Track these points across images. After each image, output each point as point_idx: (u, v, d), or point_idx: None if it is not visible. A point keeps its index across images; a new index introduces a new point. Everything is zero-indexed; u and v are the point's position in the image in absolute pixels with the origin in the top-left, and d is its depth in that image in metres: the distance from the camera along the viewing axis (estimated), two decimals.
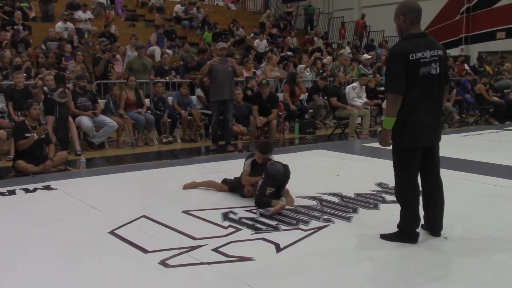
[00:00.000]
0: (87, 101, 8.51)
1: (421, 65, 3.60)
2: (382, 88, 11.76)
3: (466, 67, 15.82)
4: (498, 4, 19.36)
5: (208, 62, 8.67)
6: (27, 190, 5.53)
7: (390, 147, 3.81)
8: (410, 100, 3.61)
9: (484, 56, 16.68)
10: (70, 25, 13.22)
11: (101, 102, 8.93)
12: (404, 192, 3.81)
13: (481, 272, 3.32)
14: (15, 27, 12.30)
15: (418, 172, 3.78)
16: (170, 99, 9.66)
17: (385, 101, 3.82)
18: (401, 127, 3.65)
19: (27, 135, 6.58)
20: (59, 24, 13.08)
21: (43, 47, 11.78)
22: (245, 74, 10.73)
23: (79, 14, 14.22)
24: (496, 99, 12.74)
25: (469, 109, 13.60)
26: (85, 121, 8.27)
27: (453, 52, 18.89)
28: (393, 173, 3.87)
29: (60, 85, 8.01)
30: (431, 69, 3.65)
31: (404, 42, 3.68)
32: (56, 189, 5.59)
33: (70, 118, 8.08)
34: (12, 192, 5.43)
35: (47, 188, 5.63)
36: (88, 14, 14.48)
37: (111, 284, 3.16)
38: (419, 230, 3.85)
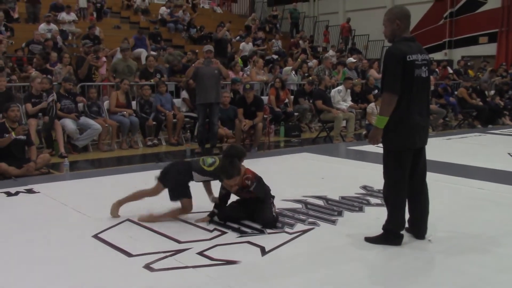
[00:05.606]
0: (71, 103, 8.42)
1: (415, 67, 3.67)
2: (375, 92, 11.68)
3: (450, 70, 15.99)
4: (480, 10, 19.62)
5: (193, 65, 8.60)
6: (9, 194, 5.44)
7: (376, 147, 3.81)
8: (405, 101, 3.65)
9: (468, 63, 16.92)
10: (53, 26, 13.09)
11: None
12: (394, 193, 3.81)
13: (465, 274, 3.34)
14: None
15: (408, 174, 3.80)
16: None
17: (369, 104, 3.84)
18: (397, 128, 3.67)
19: (5, 135, 6.51)
20: (42, 26, 12.93)
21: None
22: (232, 76, 10.74)
23: (63, 15, 14.09)
24: (479, 102, 12.88)
25: (453, 112, 13.72)
26: (68, 123, 8.17)
27: (436, 56, 19.09)
28: (378, 176, 3.89)
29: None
30: (422, 72, 3.71)
31: (400, 44, 3.73)
32: (38, 192, 5.51)
33: (56, 120, 8.02)
34: None
35: (30, 191, 5.56)
36: (72, 16, 14.36)
37: None
38: (403, 232, 3.87)
